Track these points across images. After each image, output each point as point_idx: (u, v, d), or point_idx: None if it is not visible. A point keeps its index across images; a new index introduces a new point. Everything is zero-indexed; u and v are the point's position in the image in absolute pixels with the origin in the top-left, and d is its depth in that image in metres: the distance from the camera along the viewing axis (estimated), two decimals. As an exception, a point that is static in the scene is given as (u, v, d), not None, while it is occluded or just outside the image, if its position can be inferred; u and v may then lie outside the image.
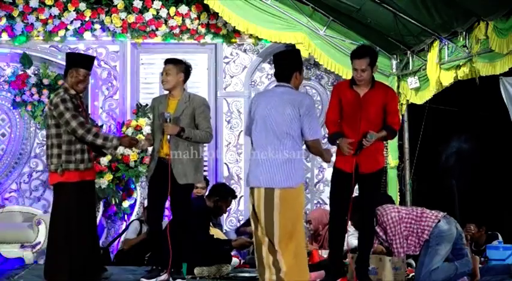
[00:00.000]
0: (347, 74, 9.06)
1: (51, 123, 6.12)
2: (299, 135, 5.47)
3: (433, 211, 6.44)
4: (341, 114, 6.21)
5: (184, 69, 6.54)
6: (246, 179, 5.51)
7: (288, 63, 5.49)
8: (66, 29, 9.22)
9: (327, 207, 8.97)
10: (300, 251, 5.38)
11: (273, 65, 5.59)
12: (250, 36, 9.36)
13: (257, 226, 5.39)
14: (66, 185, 6.09)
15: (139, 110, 9.27)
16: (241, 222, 9.25)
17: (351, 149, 6.06)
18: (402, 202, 9.10)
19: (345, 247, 7.10)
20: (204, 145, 8.19)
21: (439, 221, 6.32)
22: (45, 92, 9.17)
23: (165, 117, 6.29)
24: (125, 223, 8.97)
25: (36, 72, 9.29)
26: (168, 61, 6.57)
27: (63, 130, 6.08)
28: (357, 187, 6.25)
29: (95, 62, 9.16)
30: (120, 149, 8.74)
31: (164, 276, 6.32)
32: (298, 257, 5.35)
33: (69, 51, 9.19)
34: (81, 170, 6.10)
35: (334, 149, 6.23)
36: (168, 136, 6.32)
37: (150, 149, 6.73)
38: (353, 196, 6.16)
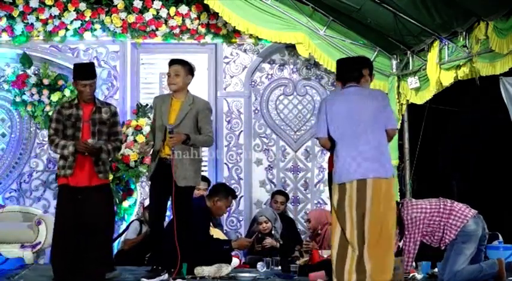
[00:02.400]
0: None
1: None
2: (384, 125, 5.55)
3: (463, 208, 6.35)
4: None
5: (191, 70, 6.56)
6: (338, 174, 5.46)
7: (357, 66, 5.75)
8: (66, 29, 9.22)
9: (327, 207, 8.99)
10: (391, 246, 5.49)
11: (340, 68, 5.76)
12: (250, 36, 9.35)
13: (345, 222, 5.38)
14: (58, 188, 6.52)
15: (140, 110, 9.27)
16: (242, 222, 9.25)
17: None
18: (402, 202, 9.10)
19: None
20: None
21: (468, 221, 6.30)
22: (45, 92, 9.17)
23: (169, 130, 6.30)
24: (125, 223, 8.97)
25: (36, 72, 9.28)
26: (175, 62, 6.55)
27: None
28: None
29: (95, 62, 9.24)
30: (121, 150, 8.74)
31: (164, 276, 6.32)
32: (389, 253, 5.47)
33: (69, 51, 9.25)
34: (61, 175, 6.40)
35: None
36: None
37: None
38: None
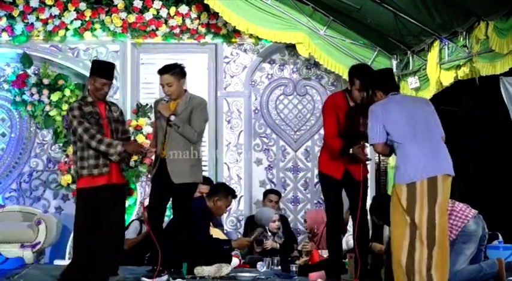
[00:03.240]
0: (347, 73, 9.05)
1: (70, 130, 6.33)
2: (440, 130, 5.74)
3: (463, 208, 6.35)
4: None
5: (182, 73, 6.51)
6: (407, 174, 5.47)
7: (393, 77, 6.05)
8: (67, 29, 9.22)
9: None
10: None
11: (382, 78, 5.89)
12: (251, 36, 9.35)
13: (414, 219, 5.42)
14: (80, 191, 6.24)
15: (140, 110, 9.27)
16: (242, 222, 9.25)
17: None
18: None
19: (345, 247, 7.13)
20: (203, 144, 8.20)
21: (468, 221, 6.30)
22: (46, 92, 9.18)
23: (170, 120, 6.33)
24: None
25: (36, 72, 9.29)
26: (164, 72, 6.46)
27: (76, 138, 6.20)
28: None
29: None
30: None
31: (165, 276, 6.32)
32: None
33: (69, 50, 9.25)
34: (94, 175, 6.13)
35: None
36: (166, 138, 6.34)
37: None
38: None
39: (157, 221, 6.55)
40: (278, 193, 8.95)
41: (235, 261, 7.21)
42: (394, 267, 5.51)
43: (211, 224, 7.61)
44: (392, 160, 9.11)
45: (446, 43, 7.78)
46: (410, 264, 5.41)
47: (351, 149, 6.26)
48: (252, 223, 8.37)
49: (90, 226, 6.12)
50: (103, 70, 6.34)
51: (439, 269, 5.44)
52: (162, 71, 6.48)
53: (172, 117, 6.33)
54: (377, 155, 7.81)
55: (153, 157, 6.69)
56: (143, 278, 6.32)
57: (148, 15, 9.21)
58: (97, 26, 9.26)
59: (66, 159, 9.22)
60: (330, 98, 6.57)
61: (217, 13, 9.10)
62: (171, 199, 6.64)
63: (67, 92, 9.16)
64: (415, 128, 5.55)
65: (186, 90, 6.58)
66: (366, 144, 6.18)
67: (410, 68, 8.77)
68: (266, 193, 8.92)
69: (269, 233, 8.03)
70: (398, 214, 5.49)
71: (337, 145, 6.29)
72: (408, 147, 5.50)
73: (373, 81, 5.93)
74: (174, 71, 6.45)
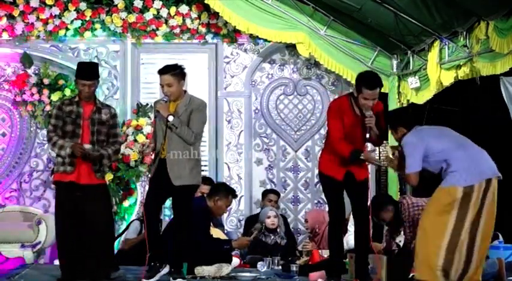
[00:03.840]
0: (347, 73, 9.08)
1: None
2: None
3: None
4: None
5: (182, 74, 6.49)
6: (463, 178, 5.56)
7: None
8: (67, 29, 9.22)
9: (327, 207, 8.99)
10: None
11: (406, 116, 6.15)
12: (251, 35, 9.35)
13: (465, 222, 5.53)
14: (54, 183, 6.60)
15: (140, 110, 9.27)
16: (242, 222, 9.24)
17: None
18: (402, 202, 9.09)
19: (345, 247, 7.13)
20: (203, 144, 8.21)
21: None
22: (46, 91, 9.17)
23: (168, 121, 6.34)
24: (125, 223, 8.97)
25: (36, 72, 9.29)
26: (164, 72, 6.44)
27: None
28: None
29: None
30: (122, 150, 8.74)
31: (165, 270, 6.31)
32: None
33: (69, 50, 9.25)
34: (60, 171, 6.35)
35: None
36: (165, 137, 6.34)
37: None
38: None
39: (153, 220, 6.52)
40: (277, 193, 8.95)
41: (235, 261, 7.20)
42: (423, 267, 5.53)
43: (211, 224, 7.60)
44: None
45: (447, 43, 7.78)
46: (448, 265, 5.49)
47: (361, 155, 6.28)
48: (253, 223, 8.38)
49: (61, 219, 6.36)
50: (82, 71, 6.47)
51: (478, 262, 5.57)
52: (163, 71, 6.46)
53: (171, 118, 6.32)
54: (377, 153, 7.82)
55: (152, 156, 6.69)
56: (143, 279, 6.31)
57: (148, 15, 9.21)
58: (97, 25, 9.26)
59: (66, 159, 9.22)
60: (335, 103, 6.54)
61: (218, 13, 9.10)
62: (171, 199, 6.64)
63: (67, 92, 9.16)
64: (457, 140, 5.77)
65: (185, 92, 6.56)
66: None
67: (411, 68, 8.77)
68: (265, 193, 8.91)
69: (266, 231, 8.00)
70: (443, 215, 5.55)
71: (345, 149, 6.25)
72: (461, 154, 5.63)
73: (395, 118, 6.13)
74: (175, 72, 6.43)
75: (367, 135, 6.22)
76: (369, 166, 6.94)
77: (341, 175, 6.36)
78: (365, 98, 6.18)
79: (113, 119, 6.51)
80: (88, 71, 6.46)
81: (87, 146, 6.34)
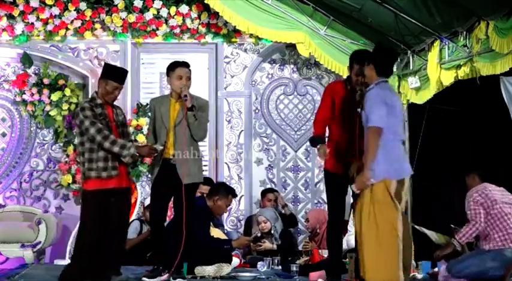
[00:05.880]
0: (347, 73, 9.06)
1: (77, 132, 6.36)
2: None
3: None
4: (332, 115, 6.34)
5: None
6: (396, 170, 5.64)
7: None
8: (67, 29, 9.22)
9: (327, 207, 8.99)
10: None
11: (387, 60, 5.90)
12: (251, 35, 9.36)
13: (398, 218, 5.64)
14: (86, 193, 6.20)
15: (140, 110, 9.27)
16: (242, 222, 9.25)
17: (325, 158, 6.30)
18: (402, 202, 9.10)
19: (345, 247, 7.13)
20: (203, 144, 8.21)
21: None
22: (46, 91, 9.18)
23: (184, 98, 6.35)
24: (125, 223, 8.96)
25: (36, 71, 9.30)
26: (185, 64, 6.51)
27: (85, 139, 6.14)
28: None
29: (95, 62, 9.26)
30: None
31: (166, 276, 6.32)
32: None
33: (69, 50, 9.25)
34: (103, 178, 6.12)
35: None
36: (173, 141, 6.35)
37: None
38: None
39: (159, 222, 6.54)
40: (275, 191, 8.95)
41: (235, 261, 7.22)
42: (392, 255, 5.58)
43: (211, 224, 7.61)
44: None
45: (447, 43, 7.78)
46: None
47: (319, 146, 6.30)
48: (253, 223, 8.42)
49: (95, 228, 6.12)
50: (116, 74, 6.34)
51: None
52: (184, 64, 6.52)
53: (194, 109, 6.33)
54: None
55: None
56: (144, 278, 6.32)
57: (148, 15, 9.21)
58: (97, 25, 9.27)
59: (66, 159, 9.23)
60: (330, 85, 6.69)
61: (218, 13, 9.10)
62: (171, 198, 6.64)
63: (67, 92, 9.17)
64: (400, 126, 5.78)
65: None
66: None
67: (411, 67, 8.77)
68: (264, 193, 8.92)
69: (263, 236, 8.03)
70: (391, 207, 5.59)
71: (317, 131, 6.36)
72: (397, 144, 5.64)
73: (372, 56, 5.94)
74: (190, 68, 6.55)
75: (358, 110, 6.08)
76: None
77: (340, 169, 6.26)
78: (356, 74, 6.17)
79: (125, 119, 6.52)
80: (122, 75, 6.38)
81: (158, 147, 6.30)
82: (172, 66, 6.53)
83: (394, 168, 5.62)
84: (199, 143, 6.62)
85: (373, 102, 5.60)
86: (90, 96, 6.46)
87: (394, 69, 9.10)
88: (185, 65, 6.53)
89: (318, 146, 6.28)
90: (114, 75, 6.30)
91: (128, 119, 9.14)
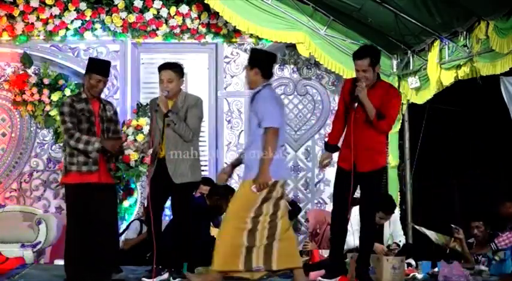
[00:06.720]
0: (347, 73, 9.06)
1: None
2: None
3: None
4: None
5: (182, 73, 6.51)
6: (279, 173, 5.92)
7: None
8: (67, 29, 9.22)
9: (327, 207, 8.99)
10: None
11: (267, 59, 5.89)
12: (251, 35, 9.35)
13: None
14: (68, 186, 6.26)
15: (140, 110, 9.27)
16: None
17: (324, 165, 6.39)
18: (402, 202, 9.10)
19: (345, 247, 7.12)
20: (203, 144, 8.19)
21: None
22: (46, 91, 9.17)
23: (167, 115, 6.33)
24: (125, 223, 8.96)
25: (36, 72, 9.29)
26: (166, 67, 6.45)
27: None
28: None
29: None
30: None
31: (165, 275, 6.32)
32: None
33: (69, 50, 9.26)
34: (83, 172, 6.15)
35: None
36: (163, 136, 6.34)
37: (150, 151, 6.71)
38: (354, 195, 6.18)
39: (155, 221, 6.53)
40: None
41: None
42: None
43: (211, 224, 7.61)
44: (392, 160, 9.13)
45: (447, 43, 7.78)
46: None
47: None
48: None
49: (79, 224, 6.16)
50: (98, 67, 6.37)
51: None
52: (164, 67, 6.48)
53: (170, 114, 6.31)
54: None
55: (150, 152, 6.68)
56: (143, 279, 6.32)
57: (148, 15, 9.21)
58: (97, 25, 9.26)
59: (66, 159, 9.22)
60: (344, 82, 6.58)
61: (218, 13, 9.09)
62: (169, 198, 6.64)
63: (67, 92, 9.16)
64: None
65: (181, 90, 6.58)
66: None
67: (411, 67, 8.78)
68: None
69: None
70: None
71: (330, 132, 6.43)
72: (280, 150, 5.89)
73: (257, 60, 5.87)
74: (176, 69, 6.47)
75: (355, 105, 6.06)
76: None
77: (348, 165, 6.15)
78: (356, 69, 6.15)
79: (115, 115, 6.50)
80: (104, 67, 6.40)
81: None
82: (158, 70, 6.54)
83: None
84: (199, 144, 6.61)
85: (268, 102, 5.67)
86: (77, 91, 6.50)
87: (394, 69, 9.17)
88: (167, 67, 6.47)
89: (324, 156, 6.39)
90: (96, 68, 6.34)
91: (127, 119, 9.19)
